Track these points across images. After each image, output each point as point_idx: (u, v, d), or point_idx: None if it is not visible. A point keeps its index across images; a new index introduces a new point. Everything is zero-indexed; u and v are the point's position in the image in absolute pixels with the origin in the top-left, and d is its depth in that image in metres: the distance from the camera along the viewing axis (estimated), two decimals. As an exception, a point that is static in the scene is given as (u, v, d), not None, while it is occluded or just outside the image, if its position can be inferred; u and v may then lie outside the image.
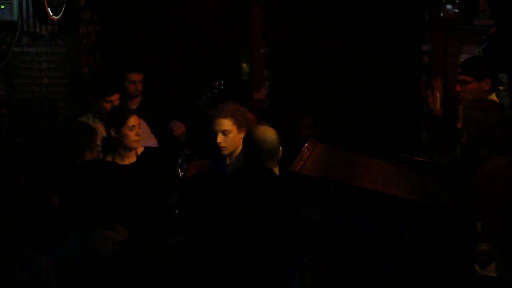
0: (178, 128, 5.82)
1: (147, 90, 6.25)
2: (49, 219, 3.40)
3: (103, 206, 2.99)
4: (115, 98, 5.56)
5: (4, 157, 3.04)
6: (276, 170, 4.17)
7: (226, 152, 4.71)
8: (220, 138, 4.68)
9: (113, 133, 5.08)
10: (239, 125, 4.69)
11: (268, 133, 4.25)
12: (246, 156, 4.28)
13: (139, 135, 5.09)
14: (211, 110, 4.91)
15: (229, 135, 4.68)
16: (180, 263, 2.41)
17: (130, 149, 5.08)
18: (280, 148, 4.27)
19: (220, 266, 2.37)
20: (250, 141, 4.25)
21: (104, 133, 5.50)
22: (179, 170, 5.16)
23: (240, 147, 4.69)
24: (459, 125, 4.48)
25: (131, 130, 5.05)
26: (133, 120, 5.06)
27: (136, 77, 6.02)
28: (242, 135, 4.65)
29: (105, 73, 6.39)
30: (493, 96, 4.94)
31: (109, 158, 5.08)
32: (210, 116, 4.80)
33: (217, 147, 4.72)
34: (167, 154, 4.20)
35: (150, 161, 3.99)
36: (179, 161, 5.19)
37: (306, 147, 3.32)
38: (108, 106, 5.54)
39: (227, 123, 4.68)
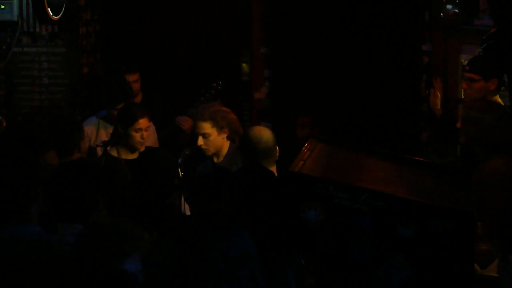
0: (185, 122, 5.78)
1: (147, 90, 6.25)
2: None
3: (83, 203, 3.22)
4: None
5: (25, 154, 3.06)
6: (274, 170, 4.18)
7: (208, 153, 4.80)
8: (200, 141, 4.75)
9: (120, 130, 5.08)
10: (218, 127, 4.75)
11: (264, 133, 4.28)
12: (243, 155, 4.31)
13: (144, 138, 5.07)
14: (193, 110, 4.95)
15: (209, 137, 4.74)
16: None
17: (133, 148, 5.08)
18: (277, 148, 4.29)
19: (207, 269, 2.36)
20: (246, 141, 4.28)
21: None
22: (179, 170, 5.17)
23: (227, 146, 4.78)
24: (458, 125, 4.48)
25: (137, 132, 5.02)
26: (141, 123, 5.01)
27: (129, 77, 5.98)
28: (223, 136, 4.75)
29: (115, 80, 6.36)
30: (497, 97, 4.94)
31: (113, 151, 5.08)
32: (192, 116, 4.88)
33: (199, 148, 4.78)
34: (167, 153, 4.20)
35: (149, 160, 3.99)
36: (179, 161, 5.19)
37: (306, 147, 3.32)
38: (116, 113, 5.52)
39: (206, 126, 4.74)
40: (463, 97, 5.30)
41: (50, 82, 6.59)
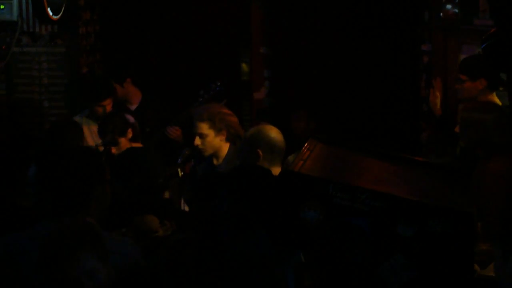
0: (173, 132, 5.82)
1: (147, 90, 6.25)
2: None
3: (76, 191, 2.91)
4: (107, 103, 5.56)
5: (89, 153, 3.01)
6: (278, 171, 4.18)
7: (205, 154, 4.81)
8: (197, 141, 4.77)
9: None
10: (216, 128, 4.75)
11: (280, 134, 4.32)
12: (265, 155, 4.26)
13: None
14: (194, 110, 4.96)
15: (206, 138, 4.75)
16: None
17: None
18: None
19: (220, 267, 2.37)
20: (266, 140, 4.24)
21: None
22: (179, 170, 5.17)
23: (226, 148, 4.77)
24: (457, 129, 4.49)
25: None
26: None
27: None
28: (221, 137, 4.75)
29: (98, 77, 6.38)
30: (493, 96, 4.94)
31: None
32: (193, 116, 4.90)
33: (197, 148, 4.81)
34: (149, 152, 4.19)
35: (129, 160, 3.95)
36: (179, 161, 5.19)
37: (305, 147, 3.31)
38: (100, 110, 5.55)
39: (203, 127, 4.75)
40: (458, 97, 5.33)
41: (50, 82, 6.60)
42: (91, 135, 5.55)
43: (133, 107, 6.06)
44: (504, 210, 3.83)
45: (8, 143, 3.89)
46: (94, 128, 5.58)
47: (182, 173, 5.13)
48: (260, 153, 4.21)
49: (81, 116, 5.69)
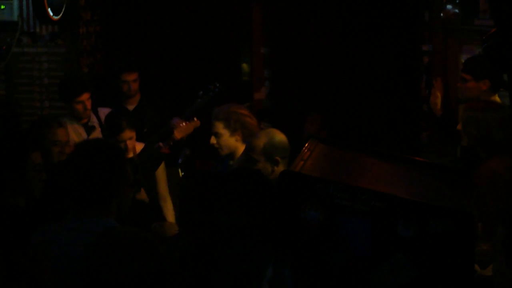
0: (178, 124, 5.75)
1: (146, 89, 6.24)
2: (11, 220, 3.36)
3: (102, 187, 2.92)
4: (85, 98, 5.45)
5: (110, 149, 3.01)
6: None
7: (221, 153, 4.76)
8: (212, 140, 4.73)
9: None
10: (231, 128, 4.69)
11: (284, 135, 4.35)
12: (283, 161, 4.25)
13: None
14: (215, 108, 4.93)
15: (221, 137, 4.70)
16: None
17: None
18: None
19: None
20: (281, 147, 4.23)
21: (84, 135, 5.48)
22: (179, 170, 5.16)
23: (242, 148, 4.70)
24: (459, 127, 4.49)
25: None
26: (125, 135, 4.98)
27: (128, 77, 5.94)
28: (236, 138, 4.68)
29: (72, 74, 6.33)
30: (496, 97, 4.94)
31: None
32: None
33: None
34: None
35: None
36: (179, 161, 5.19)
37: (306, 147, 3.32)
38: (79, 107, 5.44)
39: (218, 126, 4.71)
40: (459, 96, 5.33)
41: (50, 82, 6.60)
42: (77, 136, 5.49)
43: (132, 107, 6.05)
44: (503, 209, 3.82)
45: (6, 142, 3.89)
46: (79, 128, 5.53)
47: (183, 173, 5.12)
48: (279, 160, 4.20)
49: (65, 120, 5.60)
